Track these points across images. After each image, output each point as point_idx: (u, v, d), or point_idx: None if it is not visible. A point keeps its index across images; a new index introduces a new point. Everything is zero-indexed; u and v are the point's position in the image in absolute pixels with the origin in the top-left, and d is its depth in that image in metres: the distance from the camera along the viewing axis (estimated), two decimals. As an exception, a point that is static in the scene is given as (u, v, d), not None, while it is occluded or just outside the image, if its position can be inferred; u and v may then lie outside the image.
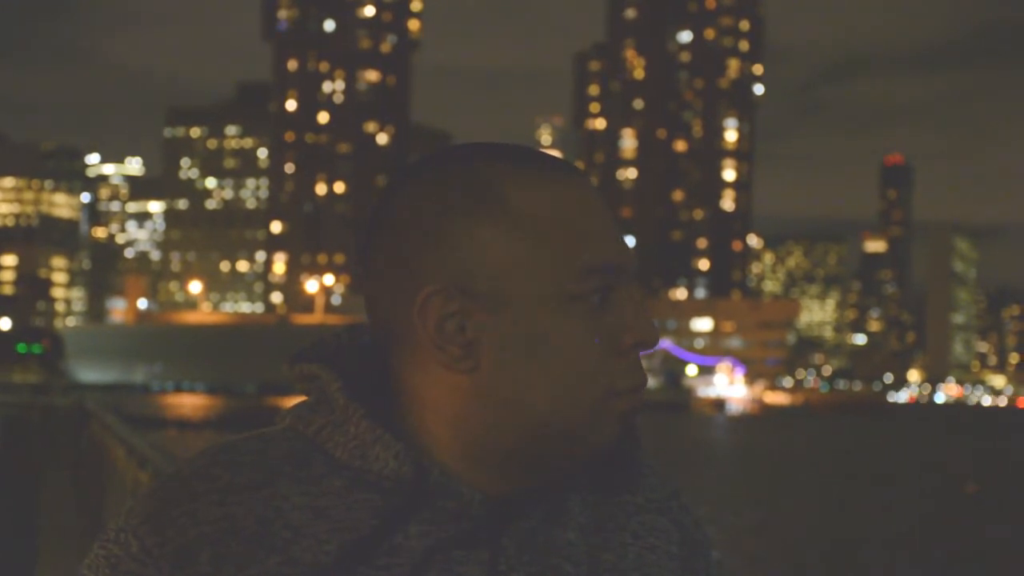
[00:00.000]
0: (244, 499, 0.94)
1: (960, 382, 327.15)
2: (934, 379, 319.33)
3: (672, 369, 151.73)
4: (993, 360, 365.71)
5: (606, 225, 0.97)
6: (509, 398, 0.95)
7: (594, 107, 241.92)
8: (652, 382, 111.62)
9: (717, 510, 28.67)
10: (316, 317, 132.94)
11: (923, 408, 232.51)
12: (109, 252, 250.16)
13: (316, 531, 0.93)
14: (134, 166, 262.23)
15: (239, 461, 0.95)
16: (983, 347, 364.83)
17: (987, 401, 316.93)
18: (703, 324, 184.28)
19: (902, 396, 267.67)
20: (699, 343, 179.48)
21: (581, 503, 1.00)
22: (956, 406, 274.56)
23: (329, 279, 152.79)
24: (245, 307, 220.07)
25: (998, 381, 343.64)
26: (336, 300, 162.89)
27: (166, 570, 0.92)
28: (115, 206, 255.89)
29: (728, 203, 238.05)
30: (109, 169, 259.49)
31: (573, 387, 0.95)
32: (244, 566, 0.91)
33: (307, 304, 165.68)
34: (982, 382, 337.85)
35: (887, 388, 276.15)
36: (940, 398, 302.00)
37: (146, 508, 0.94)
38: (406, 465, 0.94)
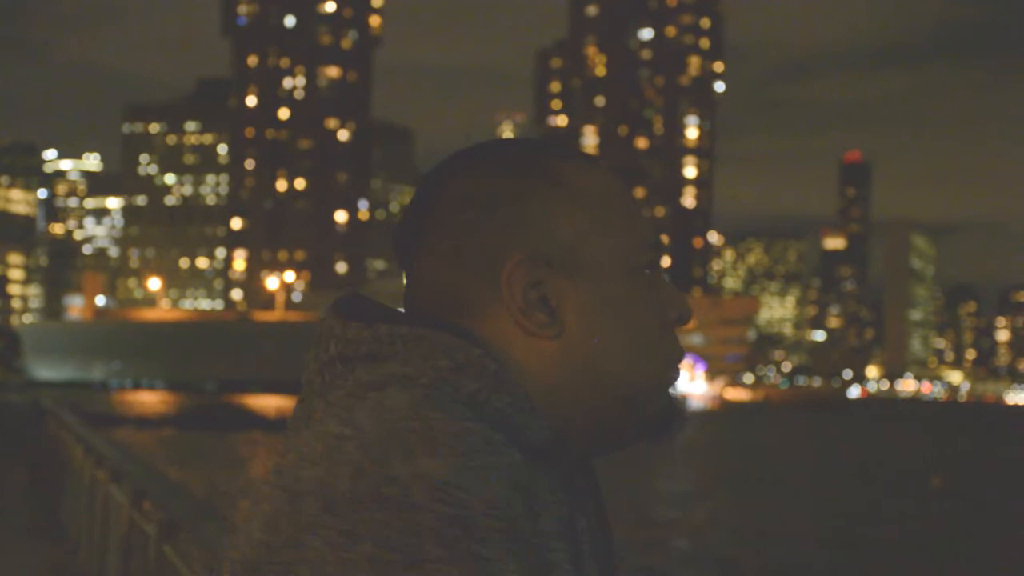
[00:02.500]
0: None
1: (918, 378, 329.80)
2: (892, 375, 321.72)
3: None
4: (950, 356, 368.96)
5: (640, 207, 1.06)
6: (593, 362, 1.01)
7: (556, 104, 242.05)
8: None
9: (681, 506, 28.61)
10: (276, 314, 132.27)
11: (879, 403, 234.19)
12: (66, 249, 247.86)
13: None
14: (92, 162, 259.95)
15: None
16: (940, 343, 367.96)
17: (936, 394, 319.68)
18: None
19: (854, 391, 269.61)
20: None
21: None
22: (902, 400, 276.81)
23: (290, 276, 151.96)
24: (205, 304, 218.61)
25: (955, 377, 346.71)
26: (297, 297, 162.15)
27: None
28: (73, 202, 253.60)
29: (689, 200, 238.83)
30: (67, 165, 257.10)
31: (645, 354, 1.03)
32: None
33: (267, 301, 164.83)
34: (939, 378, 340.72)
35: (846, 384, 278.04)
36: (903, 391, 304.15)
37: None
38: (551, 432, 0.99)
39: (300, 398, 1.04)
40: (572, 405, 1.00)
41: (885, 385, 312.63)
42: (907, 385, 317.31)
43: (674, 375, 1.04)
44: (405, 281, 1.05)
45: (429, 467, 0.89)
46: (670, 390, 1.03)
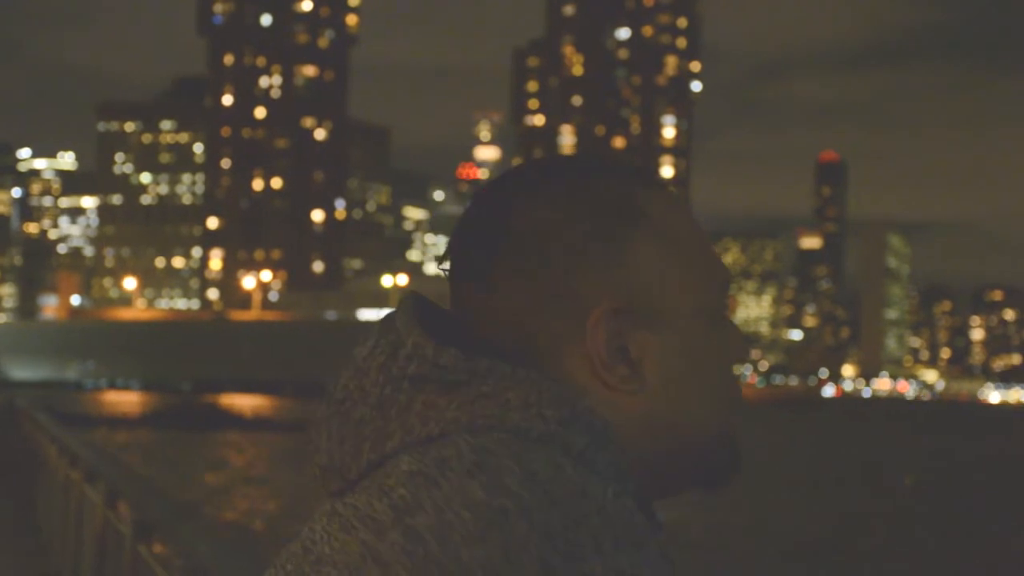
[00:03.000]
0: None
1: (893, 377, 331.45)
2: (868, 374, 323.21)
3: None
4: (925, 355, 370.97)
5: (712, 242, 1.00)
6: (671, 417, 0.96)
7: (533, 103, 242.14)
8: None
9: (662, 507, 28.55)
10: (253, 314, 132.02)
11: (852, 401, 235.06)
12: (41, 248, 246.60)
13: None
14: (67, 161, 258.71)
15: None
16: (916, 342, 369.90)
17: (913, 394, 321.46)
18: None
19: (829, 390, 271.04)
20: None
21: None
22: (873, 399, 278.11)
23: (266, 275, 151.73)
24: (181, 304, 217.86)
25: (930, 376, 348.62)
26: (273, 297, 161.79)
27: None
28: (47, 201, 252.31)
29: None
30: (41, 164, 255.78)
31: (720, 403, 0.99)
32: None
33: (244, 301, 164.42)
34: (915, 377, 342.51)
35: (822, 383, 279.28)
36: (868, 392, 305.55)
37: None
38: (638, 486, 0.95)
39: (340, 399, 0.94)
40: (644, 456, 0.96)
41: (861, 384, 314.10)
42: (883, 384, 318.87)
43: (740, 418, 1.01)
44: (454, 297, 0.98)
45: (621, 562, 0.83)
46: (734, 435, 1.00)
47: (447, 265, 0.98)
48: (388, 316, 0.97)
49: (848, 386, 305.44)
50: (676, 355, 0.96)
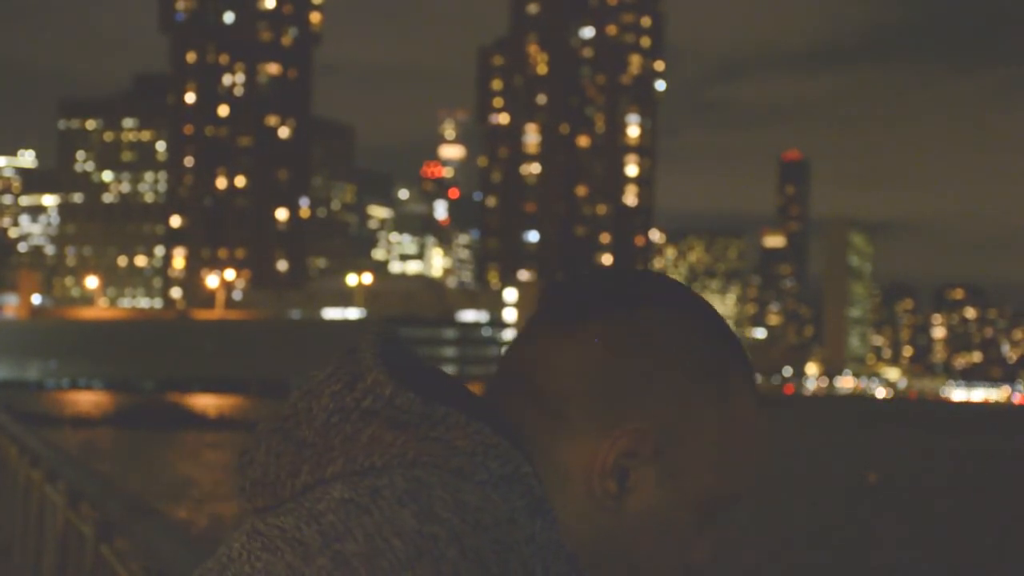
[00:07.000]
0: None
1: (856, 375, 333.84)
2: (831, 372, 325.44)
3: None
4: (888, 353, 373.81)
5: (756, 459, 0.99)
6: (617, 557, 0.96)
7: (497, 102, 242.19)
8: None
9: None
10: (216, 313, 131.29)
11: (818, 400, 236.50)
12: (1, 246, 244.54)
13: None
14: (27, 159, 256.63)
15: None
16: (878, 340, 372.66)
17: (880, 393, 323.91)
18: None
19: (810, 386, 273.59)
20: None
21: None
22: (830, 397, 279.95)
23: (230, 274, 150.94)
24: (143, 303, 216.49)
25: (892, 374, 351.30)
26: (237, 296, 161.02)
27: None
28: (8, 199, 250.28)
29: (631, 198, 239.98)
30: (1, 162, 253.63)
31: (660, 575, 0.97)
32: None
33: (207, 299, 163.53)
34: (877, 375, 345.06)
35: (785, 381, 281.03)
36: (811, 388, 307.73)
37: None
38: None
39: (285, 415, 0.94)
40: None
41: (824, 382, 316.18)
42: (846, 382, 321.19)
43: None
44: (525, 330, 0.99)
45: None
46: None
47: (542, 297, 1.00)
48: (354, 347, 0.96)
49: (812, 384, 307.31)
50: (658, 514, 0.96)
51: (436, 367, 0.98)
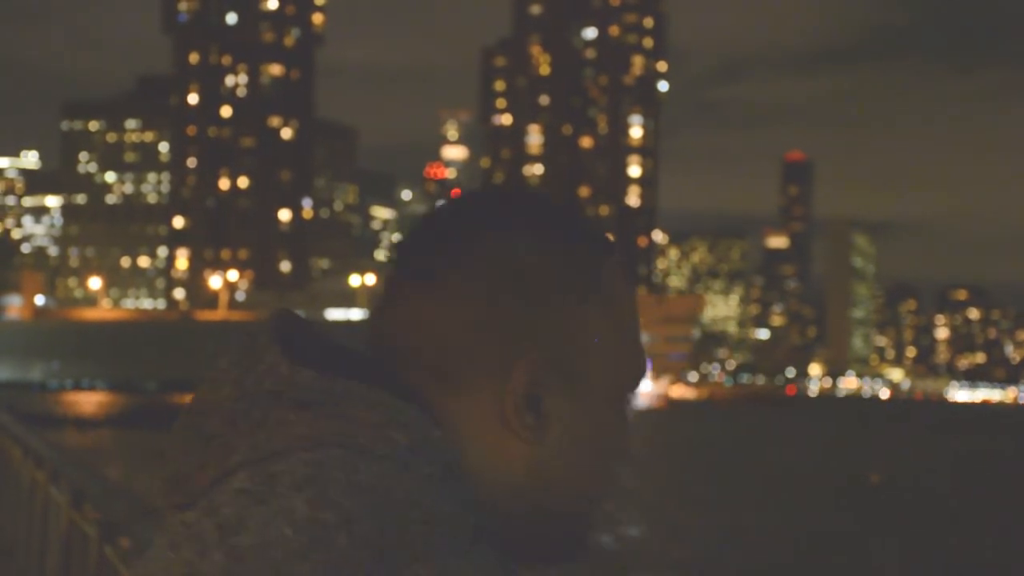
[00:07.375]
0: None
1: (859, 375, 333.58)
2: (834, 373, 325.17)
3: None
4: (891, 354, 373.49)
5: (640, 331, 1.01)
6: (555, 480, 0.96)
7: (500, 103, 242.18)
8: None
9: (639, 507, 28.70)
10: (219, 313, 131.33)
11: (822, 400, 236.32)
12: (5, 247, 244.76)
13: None
14: (30, 160, 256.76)
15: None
16: (881, 341, 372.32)
17: (884, 394, 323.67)
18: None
19: (813, 387, 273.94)
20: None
21: None
22: (832, 398, 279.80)
23: (233, 275, 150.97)
24: (147, 303, 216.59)
25: (896, 374, 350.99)
26: (240, 296, 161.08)
27: None
28: (11, 200, 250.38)
29: (633, 199, 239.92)
30: (4, 163, 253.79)
31: (602, 479, 0.99)
32: None
33: (210, 300, 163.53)
34: (880, 375, 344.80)
35: (788, 382, 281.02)
36: (814, 390, 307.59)
37: None
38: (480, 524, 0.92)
39: (194, 410, 0.92)
40: (517, 510, 0.96)
41: (828, 383, 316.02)
42: (849, 383, 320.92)
43: (601, 508, 1.01)
44: (386, 294, 0.97)
45: (450, 569, 0.84)
46: (594, 519, 1.00)
47: (394, 256, 0.97)
48: (250, 331, 0.95)
49: (815, 385, 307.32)
50: (580, 424, 0.97)
51: (338, 341, 0.97)
